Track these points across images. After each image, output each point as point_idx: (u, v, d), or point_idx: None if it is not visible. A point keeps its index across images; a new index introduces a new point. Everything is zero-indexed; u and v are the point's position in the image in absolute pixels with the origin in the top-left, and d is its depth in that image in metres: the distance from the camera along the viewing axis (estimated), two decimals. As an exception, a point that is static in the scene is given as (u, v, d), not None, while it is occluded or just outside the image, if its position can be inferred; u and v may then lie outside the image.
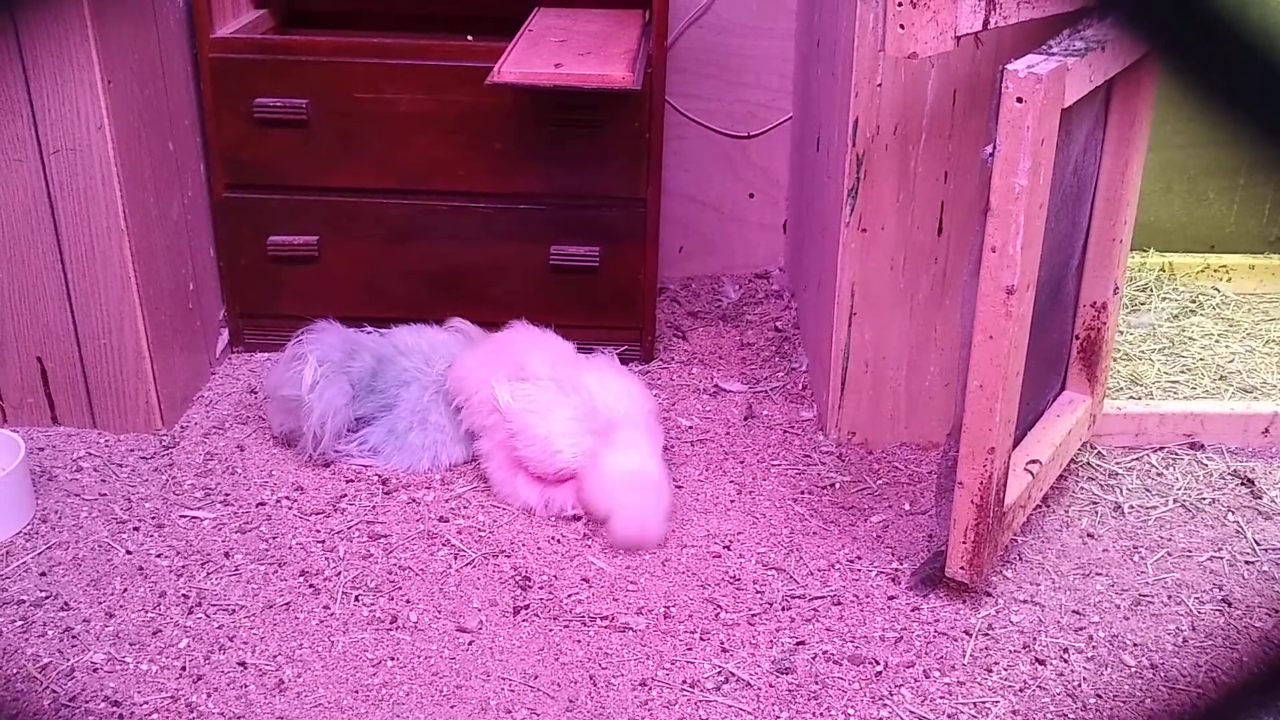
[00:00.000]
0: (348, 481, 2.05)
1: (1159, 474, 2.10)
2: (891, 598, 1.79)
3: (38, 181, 1.98)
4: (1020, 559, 1.88)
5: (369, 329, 2.23)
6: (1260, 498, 2.04)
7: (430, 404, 2.10)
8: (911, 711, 1.58)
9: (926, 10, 1.50)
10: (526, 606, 1.76)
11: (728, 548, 1.91)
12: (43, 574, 1.81)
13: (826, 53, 2.21)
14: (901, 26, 1.50)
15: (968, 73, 1.90)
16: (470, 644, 1.69)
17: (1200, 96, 0.50)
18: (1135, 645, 1.71)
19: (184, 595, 1.77)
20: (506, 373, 2.01)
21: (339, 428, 2.07)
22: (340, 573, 1.82)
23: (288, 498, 2.01)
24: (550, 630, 1.72)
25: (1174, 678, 1.65)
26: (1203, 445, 2.17)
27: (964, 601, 1.78)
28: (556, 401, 1.97)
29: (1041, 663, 1.67)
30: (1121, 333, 2.50)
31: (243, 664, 1.64)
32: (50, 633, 1.69)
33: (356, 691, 1.60)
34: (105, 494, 2.00)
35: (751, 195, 2.81)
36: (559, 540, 1.91)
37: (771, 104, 2.72)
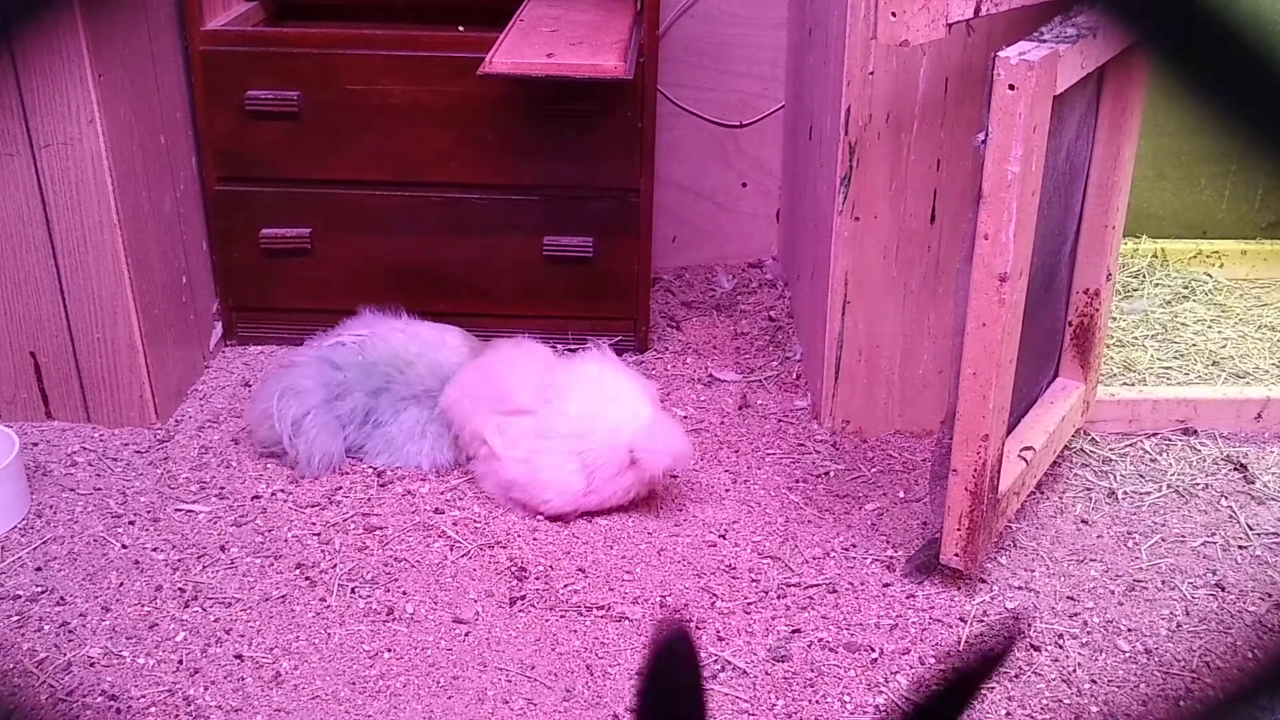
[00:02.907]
0: (343, 474, 2.05)
1: (1152, 460, 2.11)
2: (886, 585, 1.80)
3: (29, 176, 1.97)
4: (1015, 545, 1.88)
5: (353, 337, 2.15)
6: (1253, 482, 2.05)
7: (428, 418, 2.09)
8: (907, 698, 1.58)
9: (918, -2, 1.50)
10: (523, 597, 1.76)
11: (723, 536, 1.91)
12: (38, 569, 1.81)
13: (818, 41, 2.21)
14: (893, 14, 1.50)
15: (959, 60, 1.90)
16: (467, 635, 1.69)
17: (1187, 85, 0.50)
18: (1130, 630, 1.71)
19: (180, 589, 1.77)
20: (490, 404, 1.98)
21: (329, 464, 2.04)
22: (336, 565, 1.83)
23: (283, 490, 2.01)
24: (547, 620, 1.72)
25: (1168, 662, 1.66)
26: (1196, 431, 2.17)
27: (959, 588, 1.78)
28: (544, 443, 1.93)
29: (1036, 649, 1.67)
30: (1114, 319, 2.50)
31: (239, 657, 1.64)
32: (47, 627, 1.69)
33: (353, 683, 1.60)
34: (100, 488, 2.00)
35: (744, 184, 2.81)
36: (554, 531, 1.92)
37: (764, 93, 2.72)
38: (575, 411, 1.94)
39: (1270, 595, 1.80)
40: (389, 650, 1.66)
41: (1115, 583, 1.81)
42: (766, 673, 1.62)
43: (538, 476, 1.92)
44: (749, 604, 1.76)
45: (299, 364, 2.11)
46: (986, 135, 1.51)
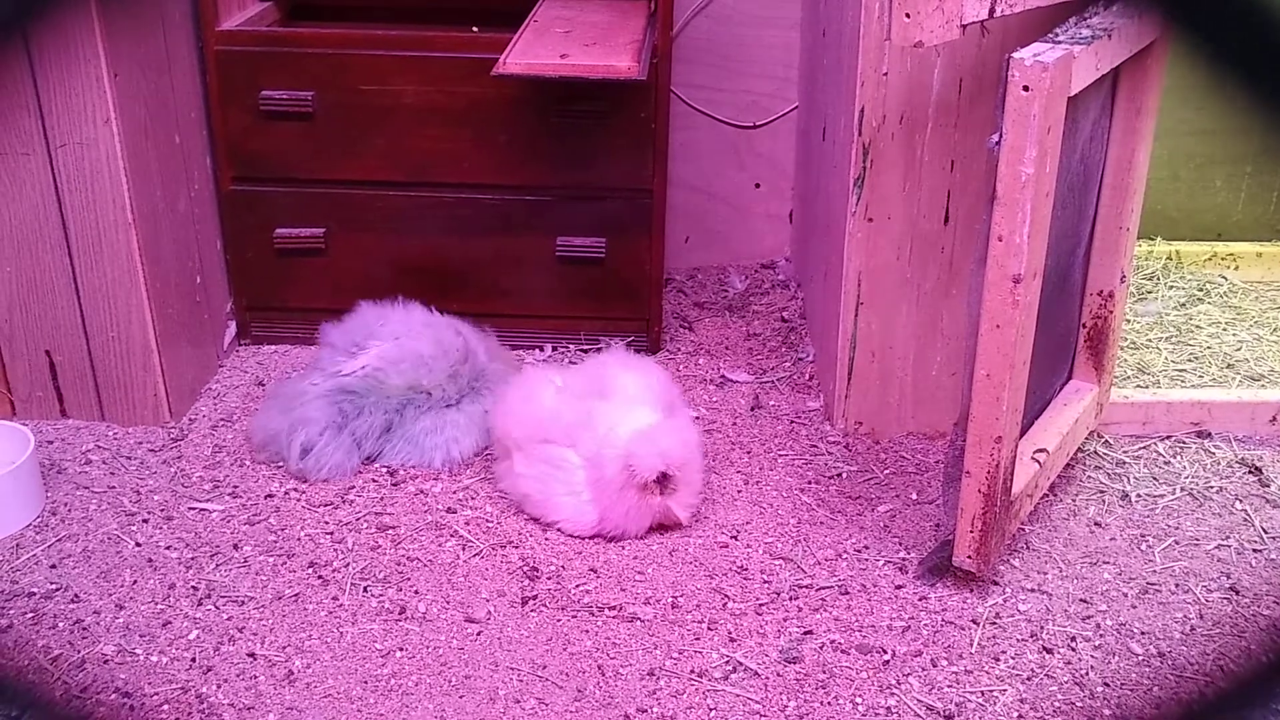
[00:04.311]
0: (355, 473, 2.05)
1: (1166, 462, 2.10)
2: (899, 587, 1.80)
3: (45, 176, 1.98)
4: (1027, 548, 1.88)
5: (360, 372, 2.12)
6: (1268, 486, 2.04)
7: (447, 413, 2.10)
8: (919, 700, 1.58)
9: (932, -1, 1.50)
10: (534, 597, 1.77)
11: (735, 538, 1.91)
12: (53, 566, 1.81)
13: (832, 42, 2.21)
14: (907, 15, 1.50)
15: (974, 61, 1.90)
16: (479, 634, 1.69)
17: (1215, 76, 0.50)
18: (1143, 634, 1.71)
19: (193, 587, 1.78)
20: (508, 434, 2.01)
21: (338, 475, 2.05)
22: (349, 564, 1.83)
23: (296, 489, 2.01)
24: (558, 620, 1.72)
25: (1181, 666, 1.65)
26: (1210, 433, 2.16)
27: (971, 590, 1.78)
28: (558, 471, 1.92)
29: (1049, 651, 1.67)
30: (1129, 321, 2.49)
31: (252, 655, 1.65)
32: (61, 625, 1.69)
33: (365, 682, 1.60)
34: (114, 486, 2.01)
35: (757, 185, 2.81)
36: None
37: (777, 94, 2.72)
38: (589, 445, 1.92)
39: (1285, 599, 1.79)
40: (401, 649, 1.66)
41: (1128, 585, 1.80)
42: (778, 674, 1.62)
43: (549, 499, 1.92)
44: (761, 605, 1.75)
45: (313, 397, 2.08)
46: (1001, 136, 1.51)
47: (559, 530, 1.92)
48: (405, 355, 2.12)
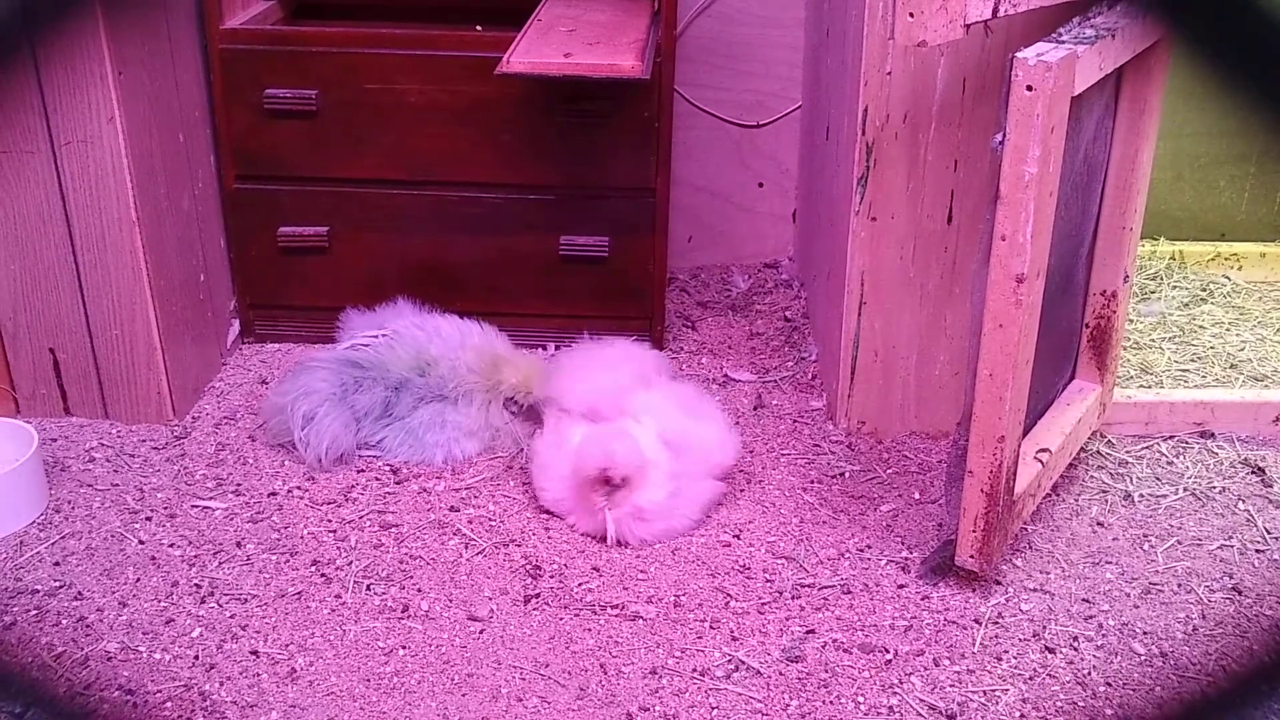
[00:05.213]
0: (359, 471, 2.06)
1: (1169, 462, 2.10)
2: (901, 586, 1.80)
3: (49, 173, 1.99)
4: (1030, 547, 1.88)
5: (368, 338, 2.18)
6: (1271, 486, 2.04)
7: (447, 408, 2.11)
8: (921, 700, 1.58)
9: (936, -2, 1.50)
10: (537, 595, 1.77)
11: (737, 537, 1.91)
12: (56, 564, 1.82)
13: (836, 41, 2.21)
14: (911, 14, 1.50)
15: (977, 61, 1.90)
16: (481, 633, 1.69)
17: (1217, 79, 0.50)
18: (1145, 633, 1.71)
19: (196, 585, 1.78)
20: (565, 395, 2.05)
21: (338, 452, 2.06)
22: (352, 562, 1.83)
23: (299, 487, 2.01)
24: (561, 619, 1.72)
25: (1184, 666, 1.65)
26: (1213, 434, 2.16)
27: (974, 590, 1.78)
28: (562, 442, 1.94)
29: (1051, 651, 1.67)
30: (1132, 321, 2.49)
31: (255, 653, 1.65)
32: (64, 622, 1.70)
33: (368, 680, 1.60)
34: (118, 484, 2.01)
35: (761, 185, 2.81)
36: (569, 529, 1.92)
37: (781, 93, 2.72)
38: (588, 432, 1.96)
39: (1287, 599, 1.79)
40: (404, 647, 1.66)
41: (1131, 585, 1.80)
42: (780, 673, 1.62)
43: (545, 470, 1.95)
44: (763, 604, 1.76)
45: (318, 366, 2.13)
46: (1004, 136, 1.51)
47: (539, 498, 1.96)
48: (425, 324, 2.18)
